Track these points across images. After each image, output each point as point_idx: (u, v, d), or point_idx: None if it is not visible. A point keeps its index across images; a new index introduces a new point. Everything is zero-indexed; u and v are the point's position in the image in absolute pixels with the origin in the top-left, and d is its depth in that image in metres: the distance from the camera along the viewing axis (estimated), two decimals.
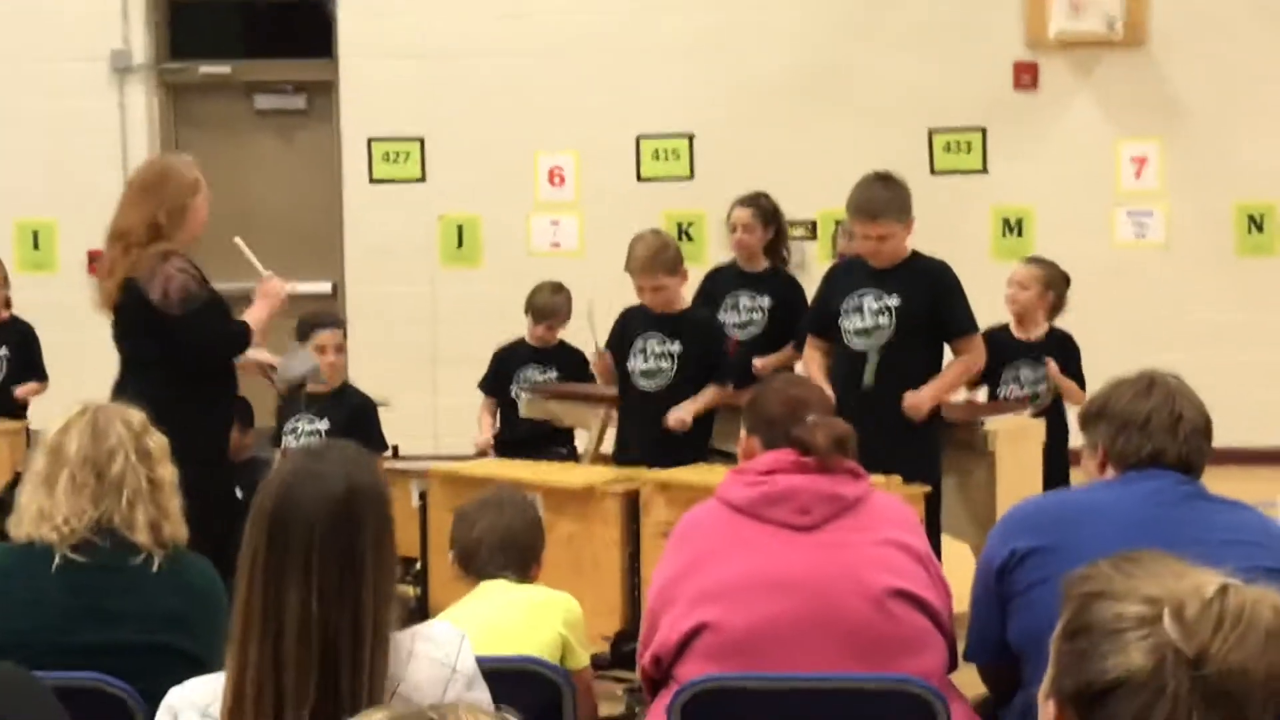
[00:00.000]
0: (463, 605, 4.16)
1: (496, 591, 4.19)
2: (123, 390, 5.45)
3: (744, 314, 7.70)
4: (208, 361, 6.06)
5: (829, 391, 5.04)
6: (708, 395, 6.78)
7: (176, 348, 5.90)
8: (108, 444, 3.67)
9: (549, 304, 8.22)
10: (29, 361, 8.65)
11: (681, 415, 6.68)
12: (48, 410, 8.13)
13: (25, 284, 9.09)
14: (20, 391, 8.52)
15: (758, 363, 7.51)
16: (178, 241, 6.10)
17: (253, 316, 6.37)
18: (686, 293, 7.16)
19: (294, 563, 2.81)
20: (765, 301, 7.71)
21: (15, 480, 7.75)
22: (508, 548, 4.29)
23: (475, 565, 4.29)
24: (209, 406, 5.99)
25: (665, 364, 6.88)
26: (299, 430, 7.01)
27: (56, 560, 3.57)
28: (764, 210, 7.82)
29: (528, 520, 4.40)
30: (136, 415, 3.78)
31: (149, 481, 3.69)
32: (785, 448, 3.78)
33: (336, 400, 7.06)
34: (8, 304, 8.81)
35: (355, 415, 7.00)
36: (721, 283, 7.81)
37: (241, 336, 6.26)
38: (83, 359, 9.54)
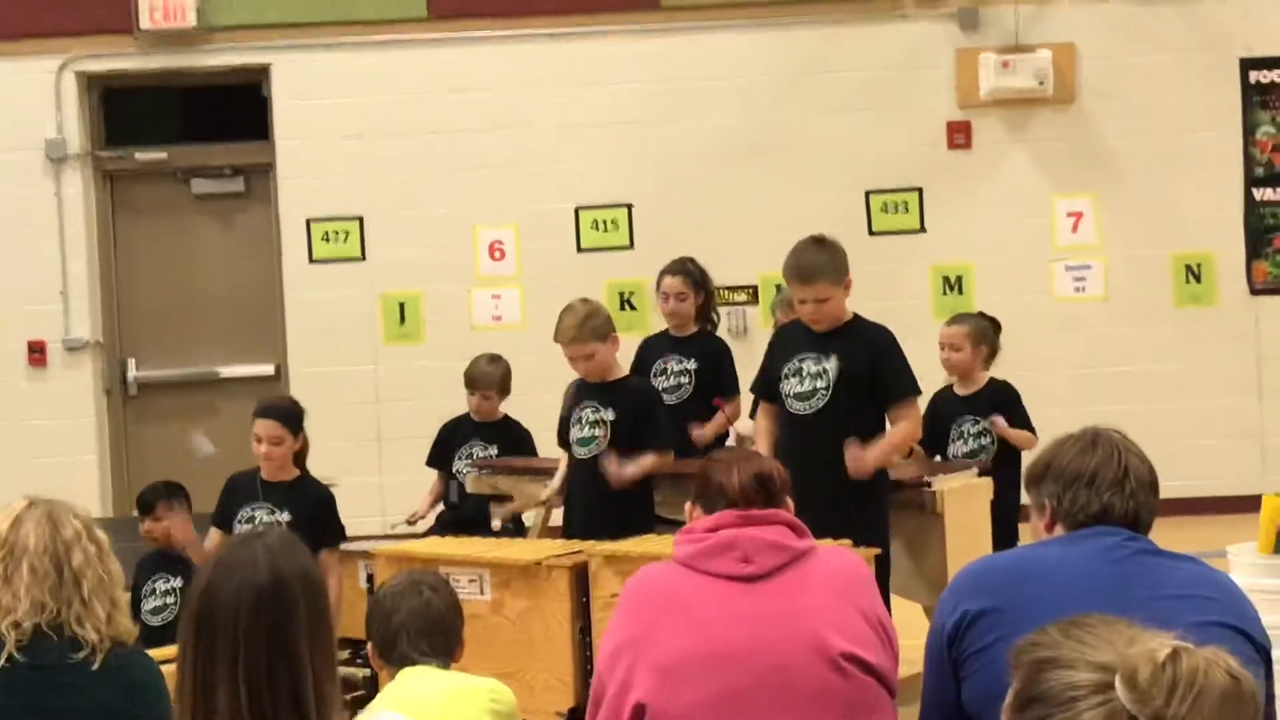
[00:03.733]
0: (386, 696, 4.04)
1: (420, 679, 4.07)
2: None
3: (672, 378, 7.76)
4: None
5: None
6: (646, 462, 6.79)
7: None
8: (65, 536, 3.62)
9: (482, 374, 8.22)
10: None
11: (621, 472, 6.69)
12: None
13: None
14: None
15: (700, 433, 7.53)
16: None
17: None
18: (624, 360, 7.17)
19: (222, 655, 2.77)
20: (692, 364, 7.76)
21: None
22: (430, 632, 4.16)
23: (396, 654, 4.15)
24: None
25: (599, 431, 6.88)
26: (257, 519, 6.91)
27: (2, 660, 3.52)
28: (692, 275, 7.88)
29: (448, 602, 4.29)
30: (83, 509, 3.74)
31: (105, 574, 3.64)
32: (725, 509, 3.80)
33: (296, 491, 6.93)
34: None
35: (316, 507, 6.88)
36: (652, 350, 7.88)
37: None
38: (30, 451, 9.51)
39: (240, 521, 6.84)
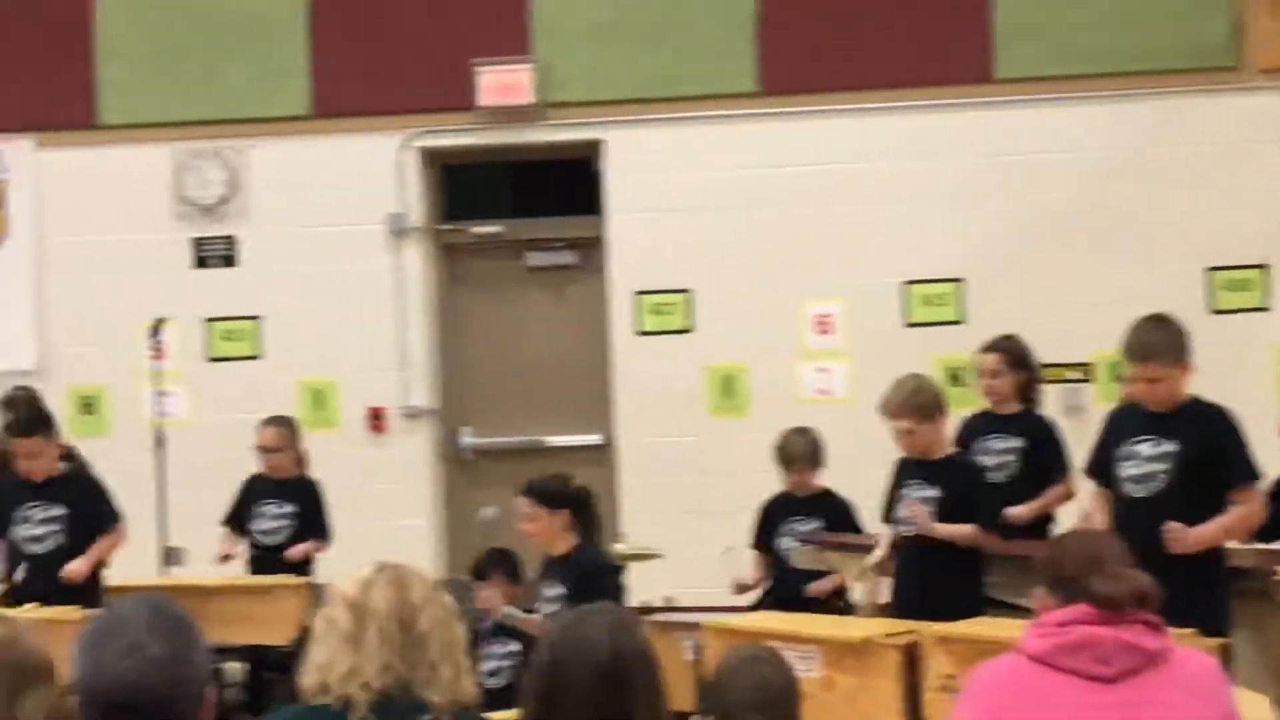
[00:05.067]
0: None
1: None
2: None
3: (995, 457, 7.64)
4: None
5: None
6: (963, 530, 6.72)
7: None
8: (413, 600, 3.68)
9: (789, 448, 8.20)
10: (314, 519, 8.85)
11: (933, 525, 6.67)
12: (332, 566, 8.33)
13: (309, 442, 9.31)
14: (295, 551, 8.70)
15: (1016, 511, 7.41)
16: None
17: None
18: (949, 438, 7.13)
19: None
20: (1017, 443, 7.64)
21: (302, 635, 7.97)
22: (767, 708, 4.15)
23: None
24: None
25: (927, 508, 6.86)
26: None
27: None
28: (1011, 354, 7.78)
29: (786, 678, 4.27)
30: (429, 575, 3.81)
31: (451, 638, 3.70)
32: (1082, 602, 3.68)
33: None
34: (302, 463, 9.04)
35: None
36: (974, 428, 7.78)
37: None
38: (368, 514, 9.79)
39: None
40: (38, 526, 7.90)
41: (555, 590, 6.84)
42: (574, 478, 7.30)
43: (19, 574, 8.10)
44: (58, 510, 7.90)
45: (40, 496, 7.91)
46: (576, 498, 7.07)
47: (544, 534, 6.93)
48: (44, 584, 7.72)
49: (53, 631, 5.64)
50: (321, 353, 10.74)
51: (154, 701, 2.74)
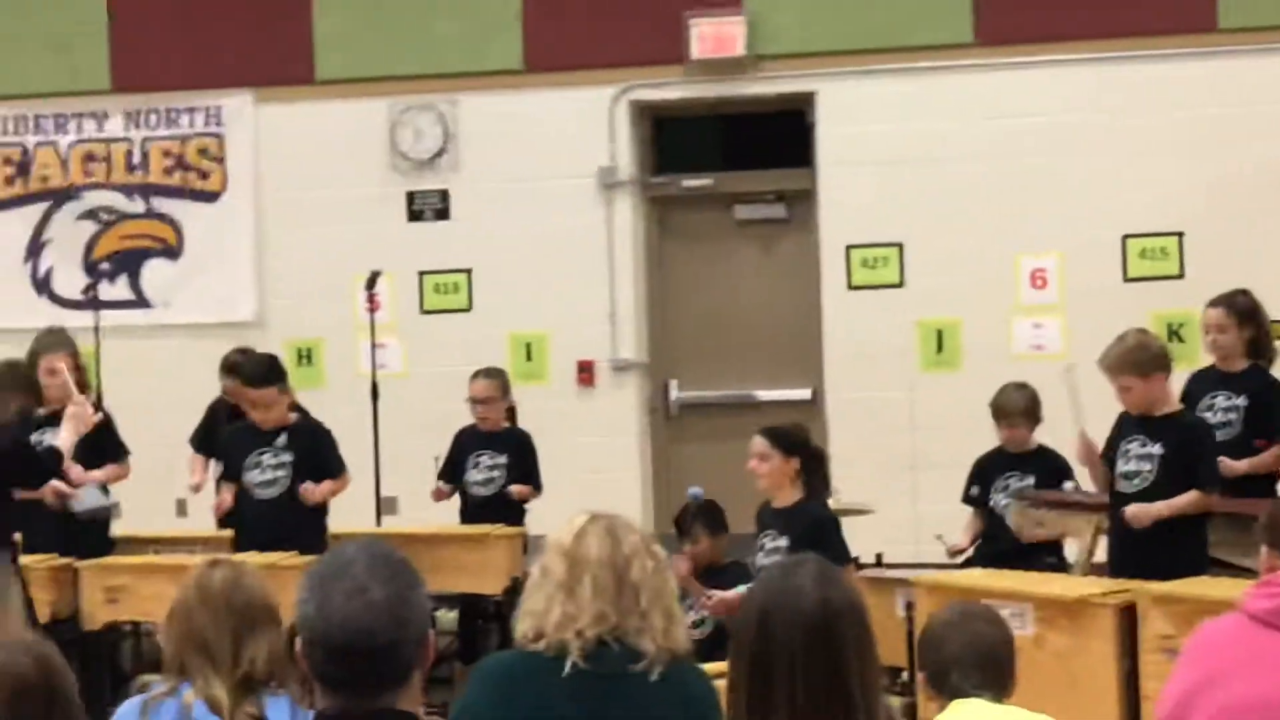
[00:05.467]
0: None
1: (972, 712, 4.00)
2: None
3: (1220, 414, 7.44)
4: (25, 484, 6.64)
5: None
6: (1187, 499, 6.56)
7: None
8: (625, 550, 3.70)
9: (1005, 402, 8.09)
10: (525, 470, 8.92)
11: (1150, 511, 6.50)
12: (543, 516, 8.41)
13: (519, 394, 9.40)
14: (518, 488, 8.80)
15: (1231, 464, 7.20)
16: None
17: (63, 442, 6.59)
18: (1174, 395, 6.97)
19: (779, 684, 2.77)
20: (1241, 401, 7.43)
21: (514, 585, 8.07)
22: (984, 665, 4.10)
23: (948, 686, 4.10)
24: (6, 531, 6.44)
25: (1146, 466, 6.71)
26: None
27: (568, 668, 3.62)
28: (1238, 309, 7.55)
29: (1002, 635, 4.21)
30: (639, 526, 3.82)
31: (662, 588, 3.71)
32: None
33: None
34: (512, 416, 9.12)
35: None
36: (1200, 385, 7.59)
37: (50, 461, 6.64)
38: (576, 467, 9.86)
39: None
40: (267, 472, 8.07)
41: (778, 541, 6.80)
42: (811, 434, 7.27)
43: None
44: (287, 457, 8.07)
45: (271, 444, 8.08)
46: (812, 450, 7.05)
47: (772, 477, 6.88)
48: (270, 530, 7.88)
49: (275, 576, 5.77)
50: (531, 306, 10.82)
51: (377, 644, 2.77)
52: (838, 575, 3.11)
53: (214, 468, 8.98)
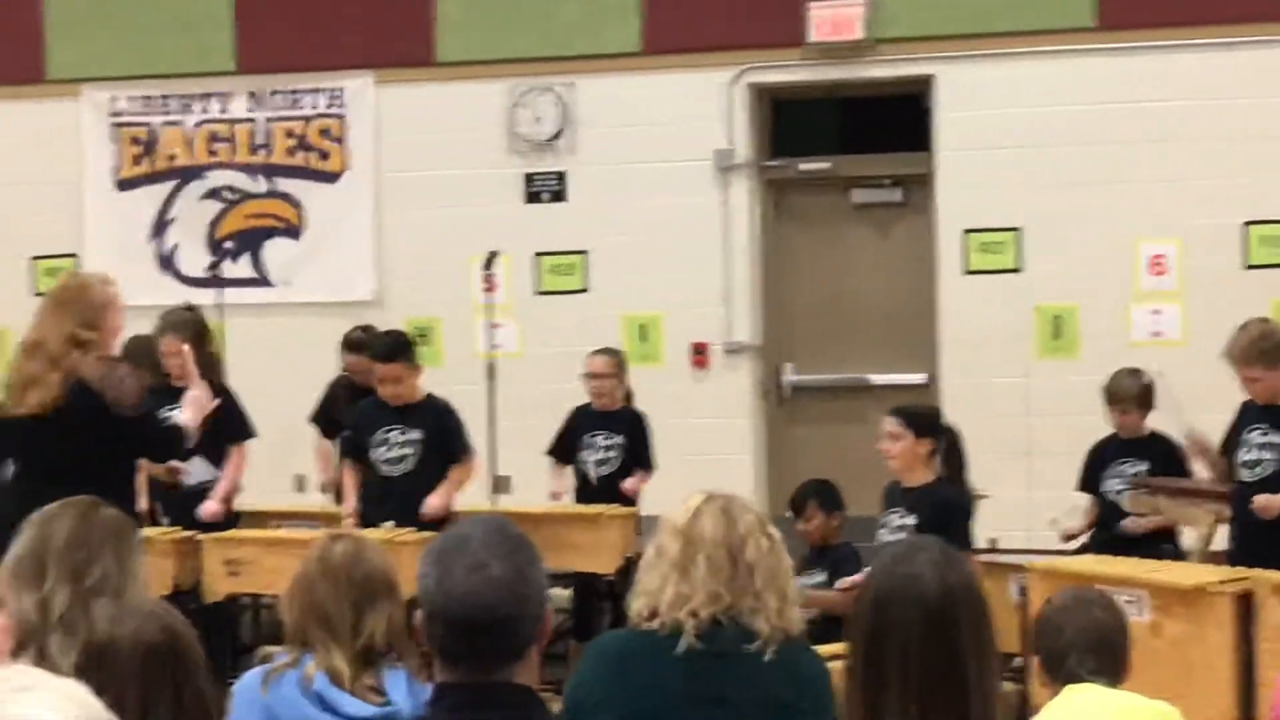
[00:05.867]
0: (1051, 713, 3.98)
1: (1088, 698, 3.99)
2: (43, 487, 5.15)
3: None
4: (151, 458, 6.81)
5: None
6: None
7: (124, 447, 6.37)
8: (740, 530, 3.73)
9: (1118, 388, 8.04)
10: (640, 451, 8.97)
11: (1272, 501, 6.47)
12: (656, 497, 8.46)
13: (632, 376, 9.43)
14: (630, 485, 8.82)
15: None
16: (100, 350, 6.37)
17: (190, 422, 6.70)
18: None
19: (893, 668, 2.79)
20: None
21: (627, 564, 8.12)
22: (1099, 651, 4.10)
23: (1063, 671, 4.09)
24: (132, 501, 6.56)
25: (1269, 455, 6.65)
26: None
27: (682, 647, 3.65)
28: None
29: (1118, 621, 4.20)
30: (754, 506, 3.85)
31: (777, 568, 3.73)
32: None
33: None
34: (629, 397, 9.17)
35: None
36: None
37: (180, 439, 6.70)
38: (689, 449, 9.90)
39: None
40: (395, 449, 8.12)
41: (905, 520, 6.80)
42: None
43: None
44: (415, 434, 8.10)
45: (399, 420, 8.12)
46: (946, 431, 7.04)
47: (904, 457, 6.87)
48: (396, 505, 7.95)
49: (395, 551, 5.84)
50: (646, 288, 10.86)
51: (497, 619, 2.82)
52: (958, 559, 3.11)
53: (334, 449, 9.09)
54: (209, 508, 8.10)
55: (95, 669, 3.14)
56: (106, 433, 6.30)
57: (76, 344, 6.36)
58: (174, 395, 8.09)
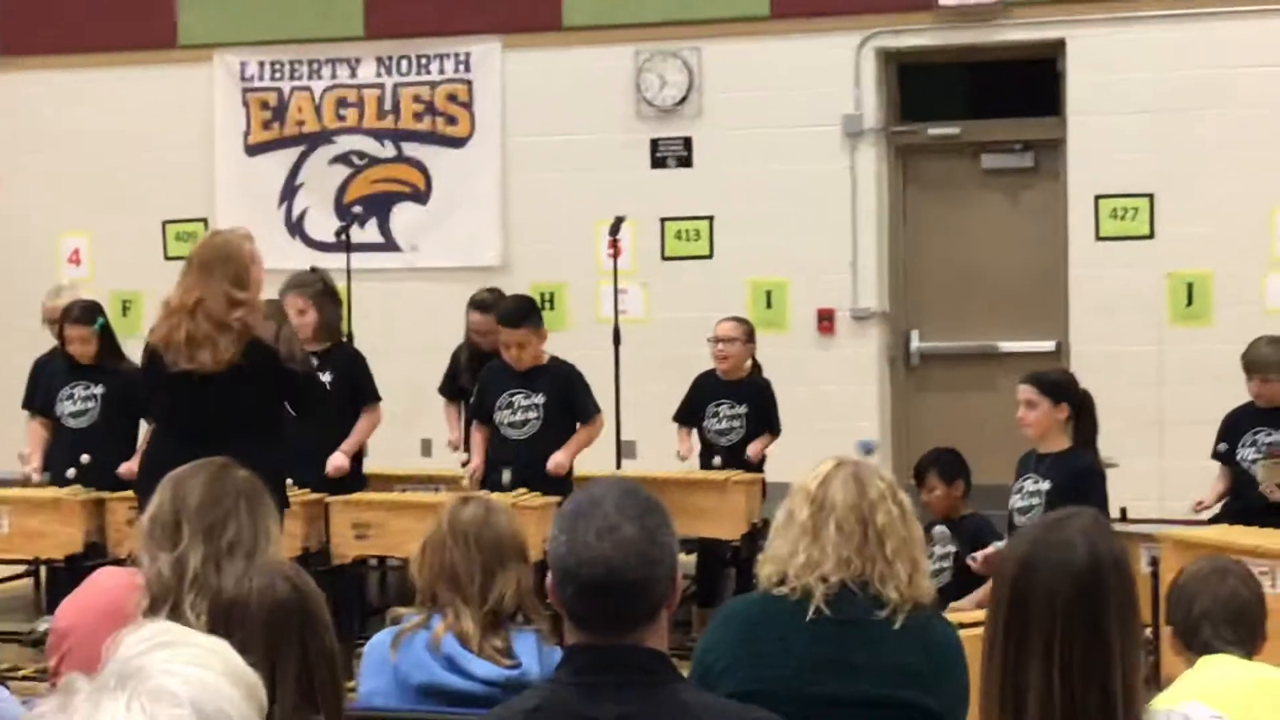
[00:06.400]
0: (1186, 684, 3.92)
1: (1223, 668, 3.93)
2: (229, 438, 5.71)
3: None
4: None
5: None
6: None
7: (296, 399, 6.82)
8: (871, 496, 3.70)
9: (1256, 356, 7.91)
10: (765, 418, 8.93)
11: None
12: (781, 463, 8.44)
13: (758, 341, 9.38)
14: (755, 449, 8.80)
15: None
16: (252, 307, 6.64)
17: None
18: None
19: (1036, 635, 2.75)
20: None
21: (752, 530, 8.11)
22: (1235, 621, 4.03)
23: (1197, 641, 4.03)
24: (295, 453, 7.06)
25: None
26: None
27: (811, 613, 3.63)
28: None
29: (1254, 592, 4.13)
30: (887, 473, 3.82)
31: (907, 536, 3.71)
32: None
33: None
34: (756, 366, 9.10)
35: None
36: None
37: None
38: (815, 416, 9.86)
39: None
40: (520, 413, 8.15)
41: (1040, 485, 6.75)
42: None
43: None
44: (539, 398, 8.13)
45: (524, 384, 8.16)
46: (1081, 397, 6.97)
47: (1039, 425, 6.83)
48: (520, 469, 7.99)
49: (519, 514, 5.85)
50: (772, 253, 10.81)
51: (628, 581, 2.81)
52: (1109, 530, 3.07)
53: (459, 412, 9.15)
54: (335, 461, 8.19)
55: (223, 625, 3.18)
56: (277, 387, 6.70)
57: (233, 303, 6.56)
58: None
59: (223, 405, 6.52)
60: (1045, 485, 6.71)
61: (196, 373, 6.57)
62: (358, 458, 8.54)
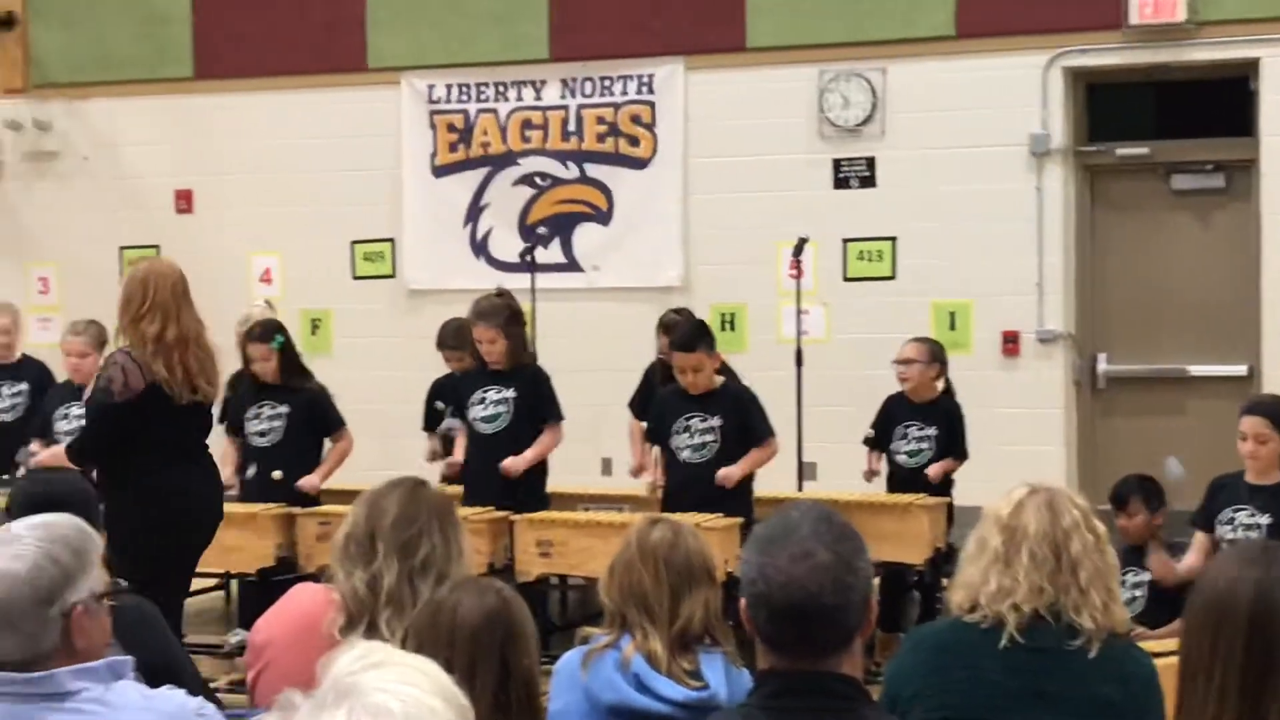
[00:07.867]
0: None
1: None
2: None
3: None
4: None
5: None
6: None
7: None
8: (1064, 524, 3.66)
9: None
10: (953, 441, 8.83)
11: None
12: (967, 487, 8.38)
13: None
14: (935, 470, 8.71)
15: None
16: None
17: None
18: None
19: (1229, 670, 2.70)
20: None
21: (936, 555, 8.05)
22: None
23: None
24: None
25: None
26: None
27: (1004, 641, 3.59)
28: None
29: None
30: (1082, 500, 3.77)
31: (1102, 564, 3.65)
32: None
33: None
34: (948, 389, 8.98)
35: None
36: None
37: None
38: (1000, 439, 9.74)
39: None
40: (696, 436, 8.17)
41: (1258, 519, 6.63)
42: None
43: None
44: (715, 422, 8.14)
45: (700, 408, 8.18)
46: None
47: (1269, 459, 6.73)
48: (697, 493, 8.00)
49: (706, 536, 5.85)
50: (956, 275, 10.72)
51: (822, 607, 2.80)
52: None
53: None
54: (510, 464, 8.22)
55: (428, 636, 3.22)
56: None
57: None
58: (492, 378, 8.30)
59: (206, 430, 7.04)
60: (1264, 520, 6.56)
61: (204, 404, 6.91)
62: (541, 475, 8.60)
